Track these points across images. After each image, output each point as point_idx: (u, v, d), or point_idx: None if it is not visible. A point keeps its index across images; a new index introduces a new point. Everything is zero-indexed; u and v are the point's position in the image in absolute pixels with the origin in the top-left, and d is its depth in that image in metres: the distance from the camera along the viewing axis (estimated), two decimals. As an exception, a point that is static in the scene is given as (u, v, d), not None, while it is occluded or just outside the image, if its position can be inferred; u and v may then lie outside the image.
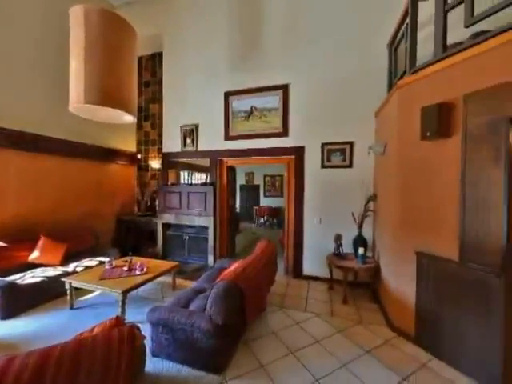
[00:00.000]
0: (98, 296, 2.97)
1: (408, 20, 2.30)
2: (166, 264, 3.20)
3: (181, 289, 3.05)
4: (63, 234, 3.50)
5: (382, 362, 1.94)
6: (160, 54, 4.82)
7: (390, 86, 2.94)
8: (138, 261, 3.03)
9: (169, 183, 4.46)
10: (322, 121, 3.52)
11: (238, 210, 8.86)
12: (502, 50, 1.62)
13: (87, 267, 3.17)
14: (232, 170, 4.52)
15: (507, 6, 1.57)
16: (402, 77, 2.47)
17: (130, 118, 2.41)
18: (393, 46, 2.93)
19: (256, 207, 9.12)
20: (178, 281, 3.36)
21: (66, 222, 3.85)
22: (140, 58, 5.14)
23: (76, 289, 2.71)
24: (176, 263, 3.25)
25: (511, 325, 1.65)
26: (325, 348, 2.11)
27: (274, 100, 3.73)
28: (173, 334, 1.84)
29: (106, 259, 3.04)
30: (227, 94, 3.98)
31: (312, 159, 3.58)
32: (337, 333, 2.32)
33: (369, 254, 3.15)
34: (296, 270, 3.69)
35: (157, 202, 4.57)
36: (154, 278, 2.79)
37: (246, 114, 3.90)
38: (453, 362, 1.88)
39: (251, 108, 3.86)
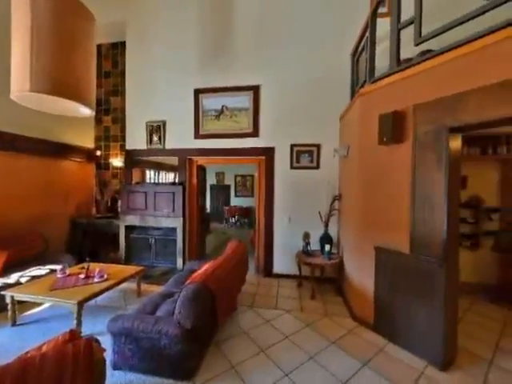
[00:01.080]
0: (48, 309, 2.65)
1: (368, 34, 2.50)
2: (129, 269, 2.99)
3: (147, 295, 2.88)
4: (4, 240, 3.04)
5: (345, 351, 2.07)
6: (122, 44, 4.49)
7: (353, 92, 3.16)
8: (96, 267, 2.78)
9: (133, 182, 4.18)
10: (292, 123, 3.64)
11: (208, 211, 8.69)
12: (443, 68, 1.85)
13: (34, 277, 2.80)
14: (202, 170, 4.41)
15: (449, 29, 1.81)
16: (362, 85, 2.68)
17: (86, 111, 2.20)
18: (355, 56, 3.15)
19: (227, 207, 9.04)
20: (144, 286, 3.17)
21: (8, 227, 3.35)
22: (99, 47, 4.72)
23: (20, 302, 2.38)
24: (141, 268, 3.07)
25: (450, 308, 1.90)
26: (294, 343, 2.18)
27: (244, 100, 3.74)
28: (137, 343, 1.73)
29: (58, 267, 2.73)
30: (197, 92, 3.87)
31: (282, 160, 3.67)
32: (305, 327, 2.42)
33: (334, 250, 3.35)
34: (266, 269, 3.75)
35: (119, 203, 4.24)
36: (116, 284, 2.59)
37: (216, 113, 3.84)
38: (405, 344, 2.09)
39: (222, 107, 3.82)
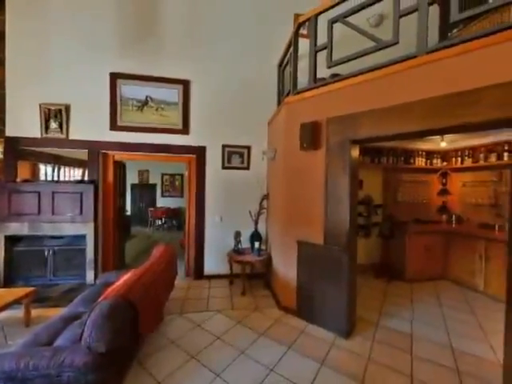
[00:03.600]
0: None
1: (291, 50, 2.77)
2: (11, 293, 2.30)
3: (41, 322, 2.28)
4: None
5: (273, 340, 2.24)
6: (1, -3, 3.39)
7: (279, 101, 3.44)
8: (-47, 296, 2.00)
9: (18, 180, 3.22)
10: (223, 123, 3.64)
11: (129, 213, 7.67)
12: (345, 91, 2.26)
13: None
14: (121, 166, 3.85)
15: (349, 60, 2.22)
16: (288, 94, 2.95)
17: None
18: (281, 66, 3.44)
19: (152, 209, 8.20)
20: (37, 312, 2.51)
21: None
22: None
23: None
24: (31, 289, 2.41)
25: (352, 286, 2.34)
26: (225, 342, 2.19)
27: (173, 94, 3.49)
28: (26, 386, 1.34)
29: None
30: (114, 76, 3.34)
31: (213, 159, 3.63)
32: (236, 324, 2.47)
33: (263, 247, 3.56)
34: (197, 271, 3.62)
35: (-6, 207, 3.19)
36: (-11, 315, 1.94)
37: (139, 104, 3.43)
38: (321, 323, 2.44)
39: (146, 98, 3.43)
